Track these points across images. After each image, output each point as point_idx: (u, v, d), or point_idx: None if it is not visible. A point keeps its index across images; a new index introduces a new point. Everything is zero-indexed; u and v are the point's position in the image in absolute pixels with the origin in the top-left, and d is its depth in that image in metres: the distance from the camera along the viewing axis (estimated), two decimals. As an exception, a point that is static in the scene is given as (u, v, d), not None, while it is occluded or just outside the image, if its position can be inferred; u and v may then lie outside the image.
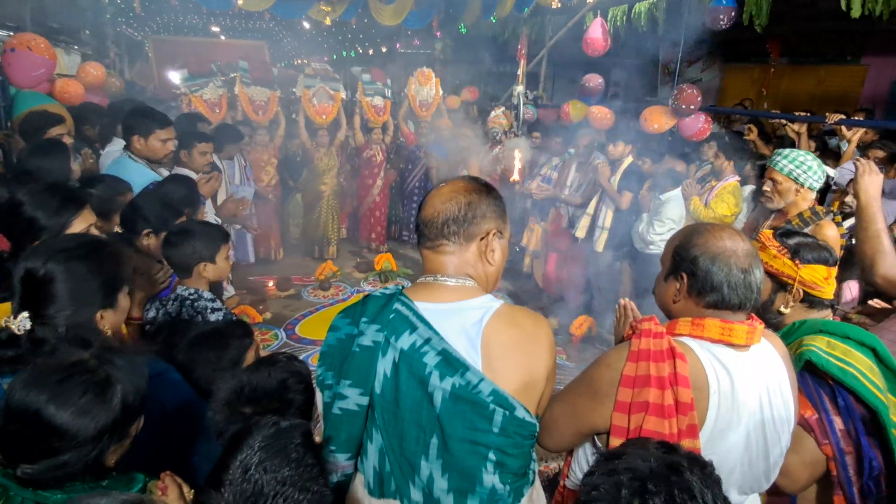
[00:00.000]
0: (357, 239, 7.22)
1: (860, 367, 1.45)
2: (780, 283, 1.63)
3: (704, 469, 0.98)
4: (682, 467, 0.96)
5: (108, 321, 1.41)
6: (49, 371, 1.09)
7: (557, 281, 5.32)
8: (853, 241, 2.28)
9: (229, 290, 4.47)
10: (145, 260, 2.25)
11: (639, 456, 0.99)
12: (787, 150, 2.50)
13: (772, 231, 1.68)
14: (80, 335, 1.29)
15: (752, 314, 1.34)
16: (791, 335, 1.57)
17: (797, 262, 1.59)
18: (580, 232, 4.86)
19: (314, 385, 1.34)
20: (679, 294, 1.34)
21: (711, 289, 1.28)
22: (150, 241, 2.35)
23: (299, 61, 13.96)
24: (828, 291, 1.61)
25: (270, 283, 5.65)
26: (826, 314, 1.65)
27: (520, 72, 5.46)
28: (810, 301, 1.62)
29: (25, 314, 1.27)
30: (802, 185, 2.42)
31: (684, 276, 1.32)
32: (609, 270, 4.86)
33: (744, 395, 1.25)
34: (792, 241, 1.62)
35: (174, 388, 1.50)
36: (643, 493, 0.92)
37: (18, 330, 1.26)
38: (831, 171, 2.59)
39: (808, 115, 4.84)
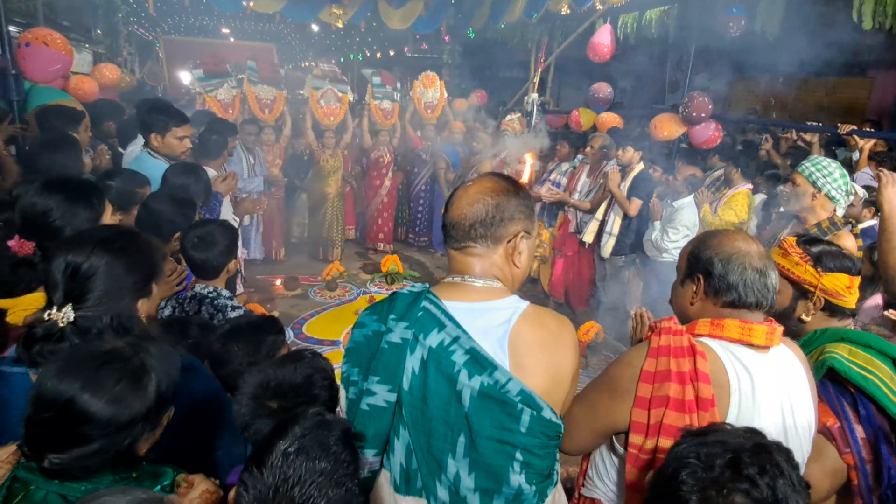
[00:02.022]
0: (364, 240, 7.23)
1: (882, 377, 1.44)
2: (801, 291, 1.62)
3: (789, 454, 1.01)
4: (771, 448, 0.99)
5: (144, 310, 1.41)
6: (83, 359, 1.08)
7: (564, 286, 5.32)
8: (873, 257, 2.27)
9: (239, 289, 4.49)
10: (167, 261, 2.25)
11: (728, 433, 1.02)
12: (816, 156, 2.51)
13: (795, 238, 1.68)
14: (123, 324, 1.29)
15: (771, 318, 1.35)
16: (812, 343, 1.57)
17: (819, 269, 1.58)
18: (588, 236, 4.85)
19: (341, 387, 1.34)
20: (696, 296, 1.36)
21: (728, 288, 1.30)
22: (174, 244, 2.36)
23: (307, 63, 14.02)
24: (850, 301, 1.60)
25: (278, 283, 5.67)
26: (848, 323, 1.64)
27: (535, 79, 5.49)
28: (831, 309, 1.61)
29: (69, 306, 1.27)
30: (819, 191, 2.42)
31: (700, 277, 1.35)
32: (617, 277, 4.85)
33: (764, 396, 1.25)
34: (815, 249, 1.61)
35: (206, 383, 1.50)
36: (737, 465, 0.95)
37: (62, 322, 1.26)
38: (860, 190, 2.59)
39: (819, 125, 4.86)
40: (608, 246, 4.72)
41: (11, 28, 5.20)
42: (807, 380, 1.35)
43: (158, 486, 1.14)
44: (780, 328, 1.33)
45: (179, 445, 1.35)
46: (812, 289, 1.59)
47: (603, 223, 4.78)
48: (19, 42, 3.85)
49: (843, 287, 1.58)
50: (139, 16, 9.67)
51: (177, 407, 1.25)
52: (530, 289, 5.84)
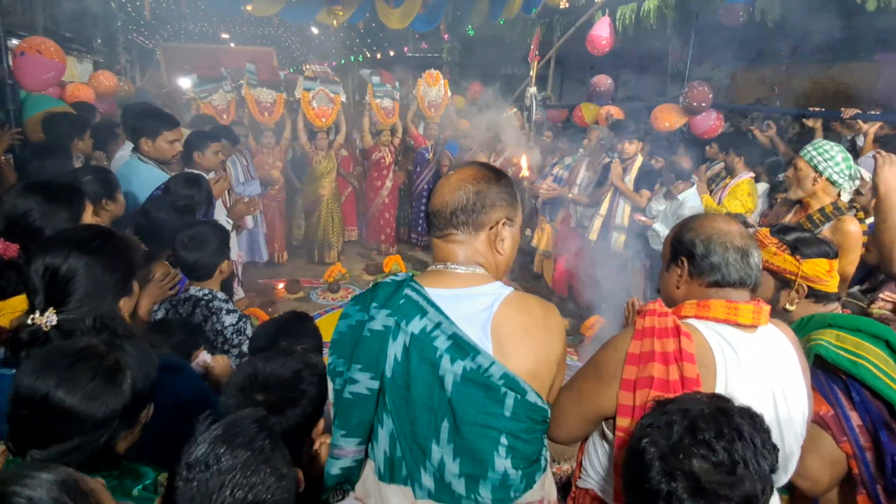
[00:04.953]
0: (366, 241, 7.21)
1: (873, 360, 1.41)
2: (783, 281, 1.63)
3: (755, 418, 1.02)
4: (733, 412, 1.01)
5: (126, 308, 1.43)
6: (57, 357, 1.10)
7: (568, 281, 5.27)
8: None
9: (239, 293, 4.47)
10: (161, 265, 2.24)
11: (692, 400, 1.05)
12: (819, 140, 2.48)
13: (768, 228, 1.69)
14: (106, 324, 1.31)
15: (759, 299, 1.34)
16: (800, 331, 1.54)
17: (798, 257, 1.59)
18: (593, 234, 4.76)
19: (328, 379, 1.33)
20: (681, 279, 1.36)
21: (711, 268, 1.30)
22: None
23: (307, 66, 14.02)
24: (832, 285, 1.61)
25: (280, 286, 5.65)
26: (834, 308, 1.64)
27: (532, 73, 5.46)
28: (815, 296, 1.62)
29: (52, 310, 1.28)
30: (821, 175, 2.38)
31: (683, 260, 1.35)
32: (622, 271, 4.78)
33: (753, 376, 1.23)
34: (790, 237, 1.63)
35: (191, 382, 1.51)
36: (694, 431, 0.97)
37: (46, 326, 1.27)
38: (867, 175, 2.55)
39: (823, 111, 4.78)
40: (619, 241, 4.63)
41: (14, 41, 5.24)
42: (799, 362, 1.33)
43: (140, 486, 1.14)
44: (768, 307, 1.31)
45: (166, 446, 1.34)
46: (793, 277, 1.60)
47: (608, 218, 4.69)
48: (14, 52, 3.87)
49: (824, 272, 1.58)
50: (138, 24, 9.74)
51: (161, 407, 1.25)
52: (534, 284, 5.81)
